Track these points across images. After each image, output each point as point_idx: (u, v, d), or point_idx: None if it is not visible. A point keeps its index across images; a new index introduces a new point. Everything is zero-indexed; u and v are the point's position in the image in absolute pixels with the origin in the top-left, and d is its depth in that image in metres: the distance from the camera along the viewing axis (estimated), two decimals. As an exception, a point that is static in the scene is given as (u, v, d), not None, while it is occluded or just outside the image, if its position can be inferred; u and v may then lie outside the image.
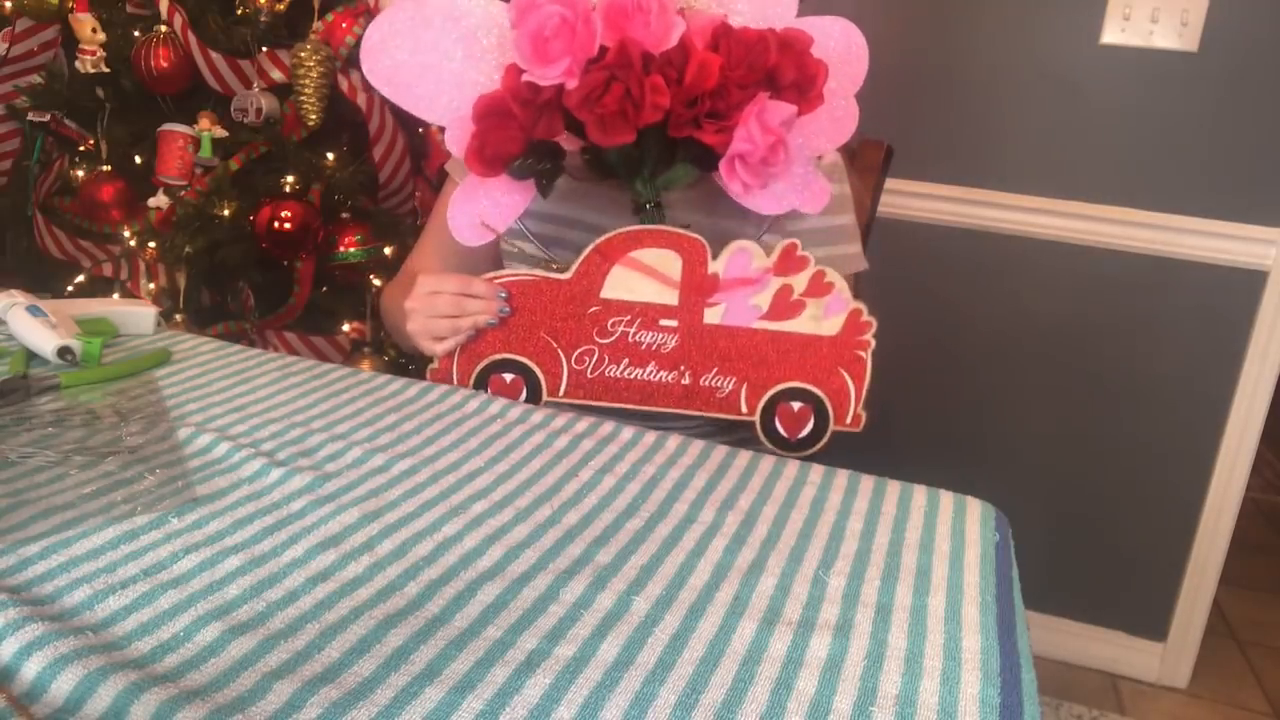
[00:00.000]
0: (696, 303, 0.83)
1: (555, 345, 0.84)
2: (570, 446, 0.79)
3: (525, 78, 0.77)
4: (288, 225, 1.48)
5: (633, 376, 0.85)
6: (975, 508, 0.74)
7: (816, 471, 0.78)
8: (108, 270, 1.60)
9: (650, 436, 0.82)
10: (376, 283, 1.59)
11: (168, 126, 1.52)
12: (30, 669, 0.45)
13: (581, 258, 0.83)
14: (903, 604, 0.59)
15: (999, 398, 1.74)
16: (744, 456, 0.80)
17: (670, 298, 0.83)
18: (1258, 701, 1.74)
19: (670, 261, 0.83)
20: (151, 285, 1.56)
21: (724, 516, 0.69)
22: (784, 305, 0.84)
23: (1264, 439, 1.65)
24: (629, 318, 0.84)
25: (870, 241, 1.19)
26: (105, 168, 1.58)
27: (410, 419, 0.81)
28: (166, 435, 0.73)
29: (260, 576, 0.55)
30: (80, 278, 1.63)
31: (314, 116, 1.50)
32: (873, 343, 0.86)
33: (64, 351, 0.84)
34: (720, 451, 0.80)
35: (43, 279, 1.63)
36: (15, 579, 0.53)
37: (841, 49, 0.86)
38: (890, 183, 1.32)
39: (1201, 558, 1.70)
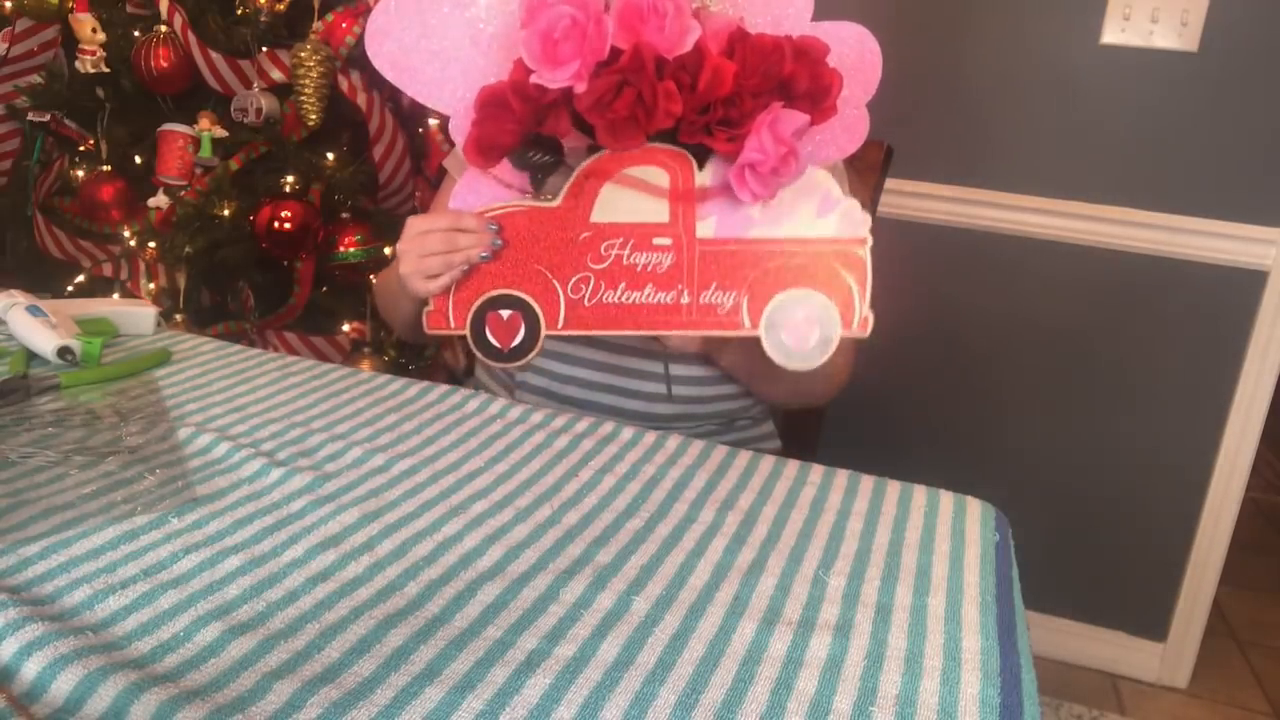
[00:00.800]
0: (688, 217, 0.81)
1: (550, 276, 0.82)
2: (570, 446, 0.79)
3: (533, 79, 0.75)
4: (288, 225, 1.48)
5: (631, 301, 0.83)
6: (975, 508, 0.74)
7: (816, 471, 0.78)
8: (108, 270, 1.60)
9: (650, 436, 0.82)
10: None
11: (168, 126, 1.52)
12: (30, 669, 0.45)
13: (569, 183, 0.81)
14: (903, 604, 0.59)
15: (999, 398, 1.74)
16: (744, 456, 0.80)
17: (661, 214, 0.81)
18: (1258, 701, 1.74)
19: (658, 177, 0.81)
20: (151, 285, 1.56)
21: (724, 516, 0.69)
22: (775, 210, 0.82)
23: (1264, 439, 1.65)
24: (621, 240, 0.82)
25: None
26: (105, 168, 1.58)
27: (410, 419, 0.81)
28: (166, 435, 0.73)
29: (260, 576, 0.55)
30: (80, 278, 1.63)
31: (314, 116, 1.50)
32: (870, 239, 0.82)
33: (64, 351, 0.84)
34: (720, 451, 0.80)
35: (43, 279, 1.63)
36: (15, 579, 0.53)
37: (855, 56, 0.84)
38: (890, 183, 1.32)
39: (1201, 558, 1.70)
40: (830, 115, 0.79)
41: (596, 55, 0.74)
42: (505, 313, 0.83)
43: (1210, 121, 1.54)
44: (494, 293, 0.83)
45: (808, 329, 0.82)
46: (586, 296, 0.83)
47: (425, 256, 0.81)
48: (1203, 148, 1.55)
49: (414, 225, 0.83)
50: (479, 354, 0.84)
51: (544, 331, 0.83)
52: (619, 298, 0.83)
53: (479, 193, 0.84)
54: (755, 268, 0.82)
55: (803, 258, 0.82)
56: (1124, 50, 1.55)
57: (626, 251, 0.82)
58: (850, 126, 0.86)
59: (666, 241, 0.82)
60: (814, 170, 0.81)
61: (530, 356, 0.84)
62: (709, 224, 0.81)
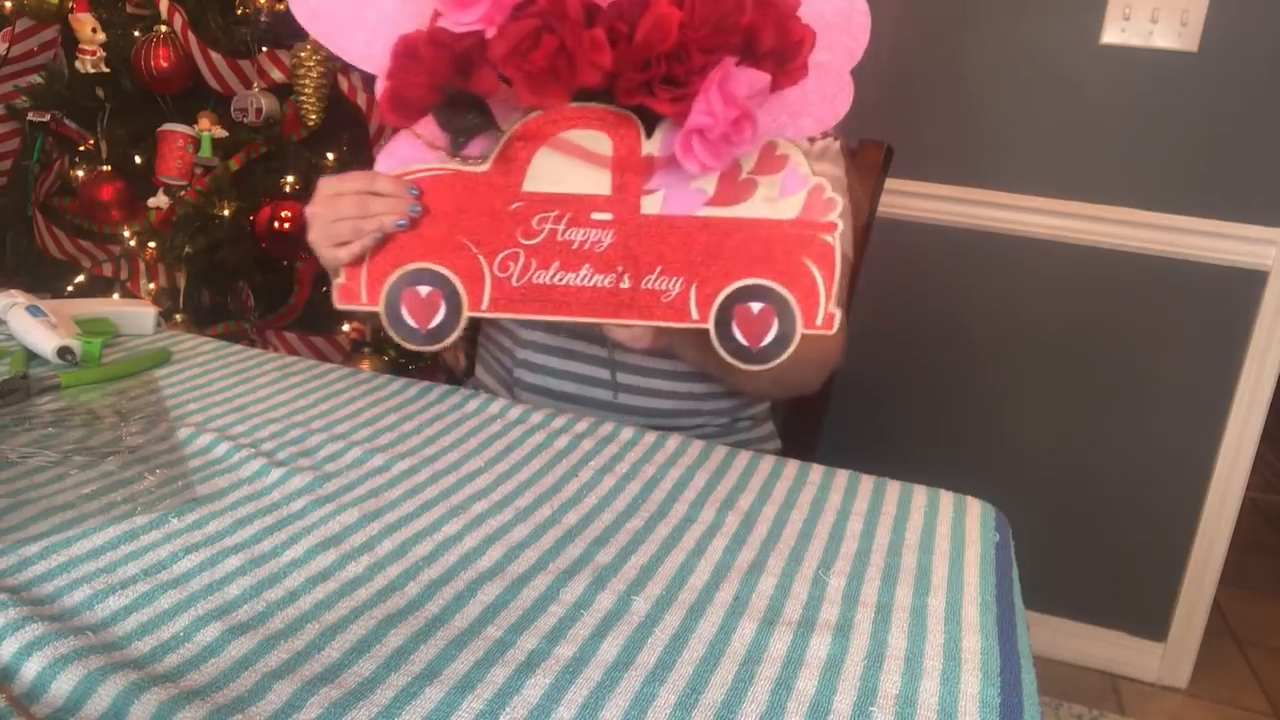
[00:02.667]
0: (632, 190, 0.72)
1: (475, 250, 0.74)
2: (570, 446, 0.79)
3: (440, 22, 0.66)
4: (288, 225, 1.48)
5: (565, 283, 0.74)
6: (975, 508, 0.74)
7: (816, 471, 0.78)
8: (108, 270, 1.60)
9: (650, 436, 0.82)
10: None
11: (168, 126, 1.52)
12: (30, 669, 0.45)
13: (499, 145, 0.72)
14: (903, 604, 0.59)
15: (999, 398, 1.74)
16: (744, 456, 0.80)
17: (602, 185, 0.72)
18: (1258, 701, 1.74)
19: (599, 144, 0.72)
20: (151, 285, 1.56)
21: (724, 516, 0.69)
22: (731, 187, 0.72)
23: (1264, 439, 1.65)
24: (557, 213, 0.73)
25: (870, 241, 1.19)
26: (105, 168, 1.58)
27: (410, 419, 0.81)
28: (166, 435, 0.73)
29: (260, 576, 0.55)
30: (80, 278, 1.63)
31: (314, 116, 1.50)
32: (840, 225, 0.73)
33: (64, 351, 0.84)
34: (720, 451, 0.80)
35: (43, 279, 1.63)
36: (15, 579, 0.53)
37: (839, 15, 0.74)
38: (890, 183, 1.32)
39: (1201, 558, 1.70)
40: (799, 77, 0.69)
41: None
42: (424, 289, 0.74)
43: (1210, 121, 1.54)
44: (411, 266, 0.74)
45: (763, 324, 0.74)
46: (515, 275, 0.74)
47: (334, 221, 0.73)
48: (1203, 148, 1.55)
49: (324, 186, 0.75)
50: (393, 334, 0.76)
51: (466, 312, 0.75)
52: (551, 278, 0.74)
53: (403, 155, 0.75)
54: (707, 251, 0.73)
55: (762, 243, 0.73)
56: (1124, 50, 1.55)
57: (561, 226, 0.73)
58: (831, 96, 0.76)
59: (606, 217, 0.73)
60: (781, 142, 0.72)
61: (450, 339, 0.75)
62: (656, 199, 0.72)
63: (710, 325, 0.74)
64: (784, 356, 0.74)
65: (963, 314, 1.72)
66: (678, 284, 0.74)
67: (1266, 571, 2.21)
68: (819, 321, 0.74)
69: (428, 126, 0.73)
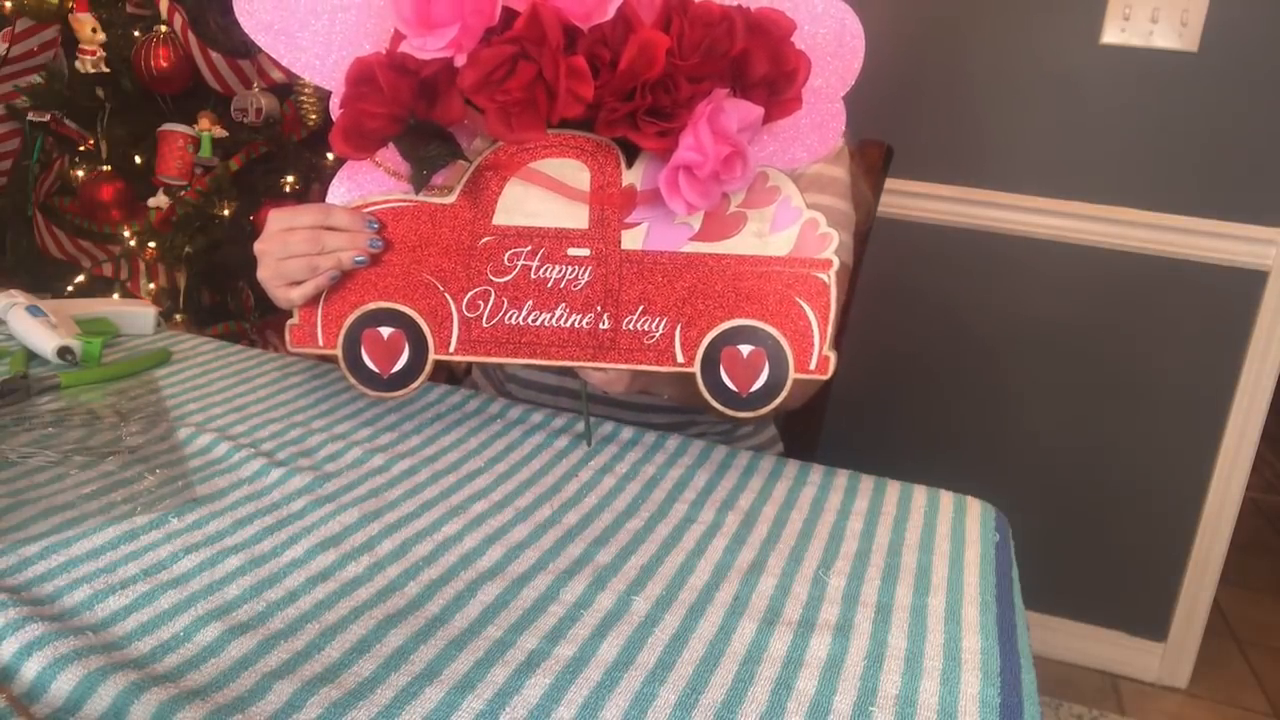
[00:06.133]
0: (611, 223, 0.68)
1: (441, 288, 0.69)
2: (570, 446, 0.79)
3: (402, 47, 0.61)
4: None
5: (540, 323, 0.69)
6: (975, 508, 0.74)
7: (816, 471, 0.78)
8: (108, 270, 1.60)
9: (650, 436, 0.82)
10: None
11: (168, 126, 1.52)
12: (30, 669, 0.45)
13: (467, 175, 0.67)
14: (903, 604, 0.59)
15: (999, 398, 1.74)
16: (744, 456, 0.80)
17: (579, 218, 0.68)
18: (1258, 702, 1.74)
19: (576, 173, 0.67)
20: (151, 285, 1.56)
21: (724, 516, 0.69)
22: (719, 221, 0.68)
23: (1264, 439, 1.65)
24: (530, 248, 0.68)
25: (870, 241, 1.19)
26: (105, 168, 1.58)
27: (410, 419, 0.81)
28: (166, 435, 0.73)
29: (260, 576, 0.55)
30: (80, 278, 1.63)
31: (314, 116, 1.50)
32: (836, 261, 0.68)
33: (64, 351, 0.84)
34: (720, 451, 0.80)
35: (43, 279, 1.64)
36: (15, 579, 0.53)
37: (832, 38, 0.70)
38: (890, 183, 1.32)
39: (1201, 558, 1.70)
40: (794, 108, 0.66)
41: (483, 18, 0.60)
42: (385, 331, 0.70)
43: (1210, 121, 1.54)
44: (372, 306, 0.70)
45: (753, 368, 0.69)
46: (485, 315, 0.70)
47: (286, 259, 0.68)
48: (1203, 148, 1.55)
49: (274, 220, 0.69)
50: (353, 380, 0.72)
51: (432, 356, 0.70)
52: (524, 319, 0.70)
53: (360, 183, 0.70)
54: (693, 290, 0.69)
55: (752, 281, 0.69)
56: (1124, 50, 1.55)
57: (535, 262, 0.69)
58: (822, 123, 0.71)
59: (584, 253, 0.68)
60: (772, 173, 0.69)
61: (415, 385, 0.71)
62: (638, 233, 0.68)
63: (696, 369, 0.70)
64: (775, 403, 0.70)
65: (962, 314, 1.72)
66: (661, 325, 0.70)
67: (1266, 571, 2.21)
68: (812, 365, 0.70)
69: (388, 153, 0.68)
